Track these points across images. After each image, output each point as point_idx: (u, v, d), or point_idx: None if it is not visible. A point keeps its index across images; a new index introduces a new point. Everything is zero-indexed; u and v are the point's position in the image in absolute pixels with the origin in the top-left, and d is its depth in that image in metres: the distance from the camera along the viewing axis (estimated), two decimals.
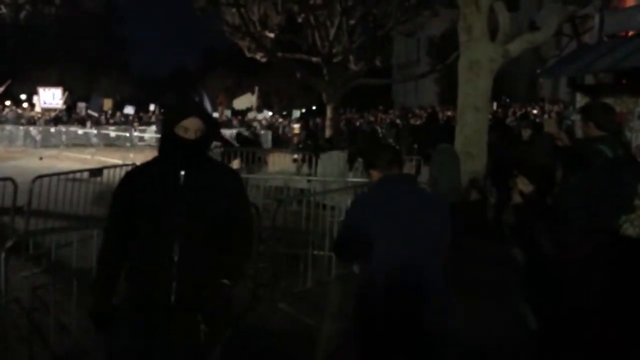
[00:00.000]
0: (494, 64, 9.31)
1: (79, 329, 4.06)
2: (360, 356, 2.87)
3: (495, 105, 25.19)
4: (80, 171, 8.21)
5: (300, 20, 17.75)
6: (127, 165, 8.97)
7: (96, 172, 8.13)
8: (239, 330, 4.47)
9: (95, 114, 31.08)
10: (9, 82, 32.59)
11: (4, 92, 34.99)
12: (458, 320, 3.03)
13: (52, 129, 24.07)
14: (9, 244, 3.36)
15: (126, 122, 29.89)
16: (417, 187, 3.01)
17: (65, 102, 32.80)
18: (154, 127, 25.25)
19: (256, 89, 33.59)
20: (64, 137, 23.18)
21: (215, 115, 35.78)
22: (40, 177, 7.18)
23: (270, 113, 42.59)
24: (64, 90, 32.61)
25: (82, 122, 28.10)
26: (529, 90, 34.62)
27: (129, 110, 33.31)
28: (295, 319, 4.92)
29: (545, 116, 18.25)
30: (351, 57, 17.90)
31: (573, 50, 13.83)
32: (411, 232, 2.70)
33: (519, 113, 20.04)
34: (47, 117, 28.91)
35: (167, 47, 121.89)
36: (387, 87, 45.40)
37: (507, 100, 29.74)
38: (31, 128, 24.20)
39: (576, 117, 9.81)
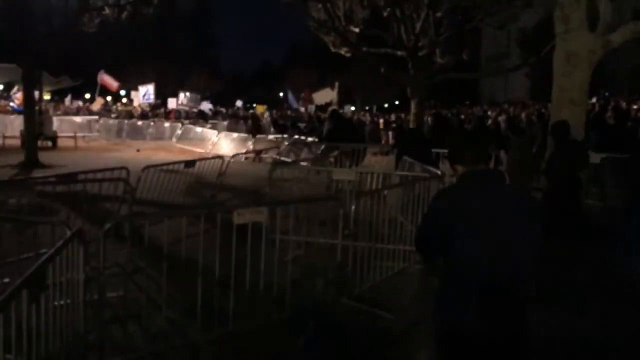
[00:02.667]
0: (593, 55, 8.76)
1: (169, 307, 4.30)
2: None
3: (595, 99, 23.69)
4: (177, 162, 8.78)
5: (385, 14, 17.55)
6: (217, 157, 9.55)
7: (189, 163, 8.67)
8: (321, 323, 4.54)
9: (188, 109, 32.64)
10: (99, 85, 34.99)
11: (105, 88, 37.58)
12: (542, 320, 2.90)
13: (140, 123, 25.54)
14: (107, 226, 3.60)
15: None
16: (504, 182, 2.86)
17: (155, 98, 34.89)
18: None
19: (336, 84, 33.48)
20: (150, 130, 24.52)
21: (302, 110, 36.45)
22: (148, 166, 7.80)
23: (353, 108, 42.67)
24: (156, 87, 34.54)
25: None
26: (631, 83, 32.23)
27: (206, 105, 34.55)
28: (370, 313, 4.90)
29: None
30: (437, 51, 17.49)
31: None
32: (497, 229, 2.59)
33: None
34: (140, 112, 30.82)
35: (255, 43, 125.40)
36: (474, 81, 43.93)
37: (607, 94, 27.88)
38: (126, 122, 25.81)
39: None
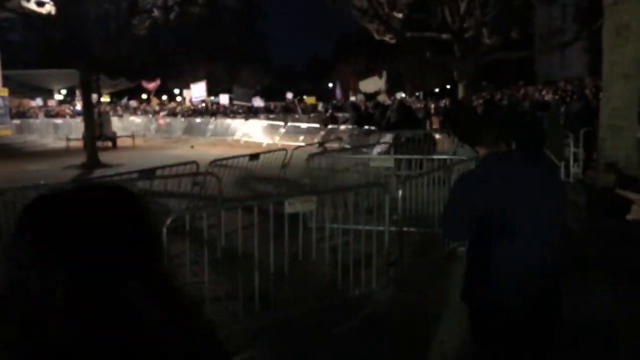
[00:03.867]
0: None
1: (229, 299, 4.49)
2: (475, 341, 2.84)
3: None
4: (243, 156, 9.03)
5: None
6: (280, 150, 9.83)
7: (254, 156, 8.94)
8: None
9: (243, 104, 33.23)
10: (158, 81, 36.18)
11: (161, 88, 38.84)
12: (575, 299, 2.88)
13: (198, 120, 26.12)
14: (169, 221, 3.79)
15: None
16: (528, 163, 2.82)
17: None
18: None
19: (384, 72, 32.98)
20: (210, 127, 24.94)
21: (353, 99, 36.40)
22: (216, 160, 8.20)
23: (403, 94, 42.18)
24: (207, 84, 35.36)
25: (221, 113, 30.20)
26: None
27: (258, 101, 34.98)
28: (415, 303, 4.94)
29: None
30: (484, 31, 17.07)
31: None
32: (528, 209, 2.60)
33: None
34: (193, 109, 31.70)
35: (303, 37, 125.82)
36: (529, 60, 42.41)
37: None
38: (182, 119, 26.53)
39: None
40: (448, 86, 50.01)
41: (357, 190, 5.15)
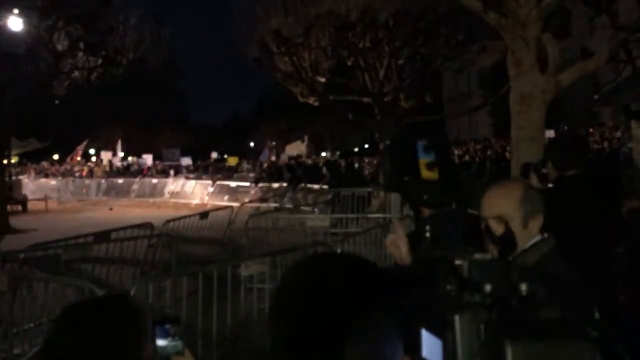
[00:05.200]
0: (546, 95, 9.33)
1: None
2: None
3: (553, 132, 24.72)
4: (193, 215, 8.99)
5: (350, 63, 18.30)
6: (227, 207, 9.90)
7: (204, 215, 8.96)
8: None
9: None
10: (86, 141, 35.04)
11: (72, 148, 37.46)
12: None
13: (120, 181, 25.34)
14: (133, 291, 3.71)
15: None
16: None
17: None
18: None
19: (305, 137, 35.83)
20: (134, 187, 24.24)
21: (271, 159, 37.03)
22: (169, 220, 8.04)
23: (324, 154, 43.35)
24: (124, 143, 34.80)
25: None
26: (588, 116, 33.76)
27: (187, 161, 34.71)
28: None
29: (606, 143, 17.79)
30: (401, 95, 18.21)
31: (627, 77, 13.60)
32: None
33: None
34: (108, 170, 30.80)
35: (223, 97, 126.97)
36: (439, 122, 45.35)
37: (566, 127, 29.06)
38: (103, 181, 25.59)
39: (633, 145, 9.66)
40: (366, 146, 52.04)
41: (304, 250, 5.29)
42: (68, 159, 35.17)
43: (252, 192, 19.00)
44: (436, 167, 1.91)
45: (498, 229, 2.00)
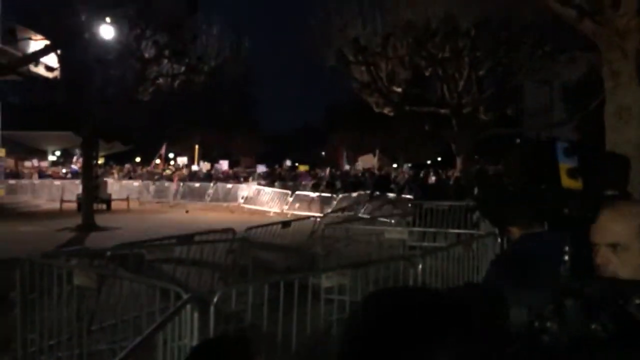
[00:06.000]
0: None
1: None
2: None
3: None
4: (275, 224, 9.10)
5: (427, 73, 17.96)
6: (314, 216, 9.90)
7: (286, 224, 9.03)
8: None
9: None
10: (165, 145, 36.60)
11: (154, 152, 39.13)
12: None
13: (197, 185, 26.13)
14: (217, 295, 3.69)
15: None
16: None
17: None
18: None
19: (377, 151, 36.29)
20: (209, 192, 24.87)
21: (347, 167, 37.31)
22: (250, 228, 8.33)
23: (395, 165, 42.90)
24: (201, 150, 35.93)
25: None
26: None
27: (262, 168, 35.31)
28: None
29: None
30: (481, 108, 17.66)
31: None
32: None
33: None
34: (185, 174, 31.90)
35: (294, 106, 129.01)
36: (519, 135, 43.72)
37: None
38: (181, 184, 26.50)
39: None
40: (439, 159, 50.97)
41: (386, 264, 5.13)
42: (152, 164, 36.77)
43: (335, 202, 18.84)
44: (580, 175, 1.65)
45: (611, 258, 1.72)
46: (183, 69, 17.89)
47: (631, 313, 0.78)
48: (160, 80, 18.14)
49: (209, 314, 3.59)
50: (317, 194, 21.15)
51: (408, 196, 14.92)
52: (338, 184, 23.08)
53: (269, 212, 20.52)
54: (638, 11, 8.66)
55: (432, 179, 18.58)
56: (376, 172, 32.03)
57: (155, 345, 2.81)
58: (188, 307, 3.23)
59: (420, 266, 5.12)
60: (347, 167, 37.90)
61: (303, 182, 27.47)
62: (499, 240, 6.46)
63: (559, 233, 2.88)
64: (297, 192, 21.76)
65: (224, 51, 18.86)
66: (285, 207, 20.47)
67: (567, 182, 1.61)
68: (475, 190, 10.42)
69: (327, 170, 31.33)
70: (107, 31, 16.69)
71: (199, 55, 17.65)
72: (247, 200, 22.77)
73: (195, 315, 3.30)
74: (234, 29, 20.68)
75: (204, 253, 7.03)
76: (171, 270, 6.85)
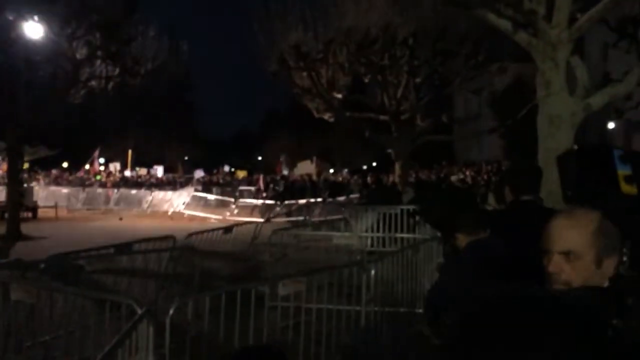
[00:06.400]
0: (575, 117, 9.21)
1: None
2: None
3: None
4: (217, 229, 8.85)
5: (366, 80, 18.25)
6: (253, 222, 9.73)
7: (228, 229, 8.79)
8: None
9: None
10: (98, 150, 35.10)
11: (84, 157, 37.49)
12: None
13: (134, 191, 25.23)
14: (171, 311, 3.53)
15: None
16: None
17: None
18: None
19: (314, 158, 37.07)
20: (148, 199, 24.12)
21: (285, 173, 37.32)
22: (191, 234, 7.98)
23: (332, 170, 43.28)
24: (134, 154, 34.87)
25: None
26: (600, 141, 33.56)
27: (200, 173, 34.65)
28: None
29: None
30: (418, 115, 18.13)
31: None
32: None
33: None
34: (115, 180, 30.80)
35: (230, 111, 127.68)
36: (448, 142, 45.33)
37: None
38: (115, 191, 25.49)
39: None
40: (374, 164, 51.89)
41: (340, 270, 5.11)
42: (82, 169, 35.19)
43: (278, 209, 18.74)
44: (635, 182, 1.69)
45: (564, 267, 1.68)
46: (117, 71, 17.21)
47: None
48: (93, 83, 17.38)
49: (165, 327, 3.43)
50: (260, 201, 21.01)
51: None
52: (279, 188, 22.93)
53: (210, 218, 20.11)
54: (569, 24, 9.20)
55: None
56: (314, 177, 32.25)
57: None
58: (144, 321, 3.07)
59: (372, 272, 5.14)
60: (285, 172, 37.89)
61: (240, 188, 27.17)
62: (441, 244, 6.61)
63: (500, 239, 3.04)
64: (241, 200, 21.57)
65: (162, 54, 18.31)
66: (227, 214, 20.15)
67: (625, 188, 1.65)
68: (410, 196, 10.68)
69: (261, 177, 30.77)
70: (35, 30, 15.80)
71: (134, 57, 17.04)
72: (187, 206, 22.24)
73: (151, 329, 3.14)
74: (171, 31, 20.16)
75: (145, 262, 6.76)
76: (111, 281, 6.53)
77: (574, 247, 1.66)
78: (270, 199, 21.05)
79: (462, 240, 2.94)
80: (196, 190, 24.84)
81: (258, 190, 25.49)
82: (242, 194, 24.97)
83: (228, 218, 19.27)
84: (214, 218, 19.81)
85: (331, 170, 43.37)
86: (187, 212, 21.46)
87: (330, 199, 16.03)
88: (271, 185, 26.35)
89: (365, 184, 18.17)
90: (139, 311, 3.22)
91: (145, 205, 23.29)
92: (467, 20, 13.77)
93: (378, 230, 8.47)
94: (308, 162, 37.08)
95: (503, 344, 0.95)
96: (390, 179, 19.80)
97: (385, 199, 10.42)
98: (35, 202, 21.53)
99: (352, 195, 18.57)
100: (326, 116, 18.65)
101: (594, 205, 1.65)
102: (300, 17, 16.59)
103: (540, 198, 3.72)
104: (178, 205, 22.44)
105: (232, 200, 21.58)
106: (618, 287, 1.23)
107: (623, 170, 1.56)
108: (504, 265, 2.74)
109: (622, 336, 1.01)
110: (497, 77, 19.29)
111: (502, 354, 0.95)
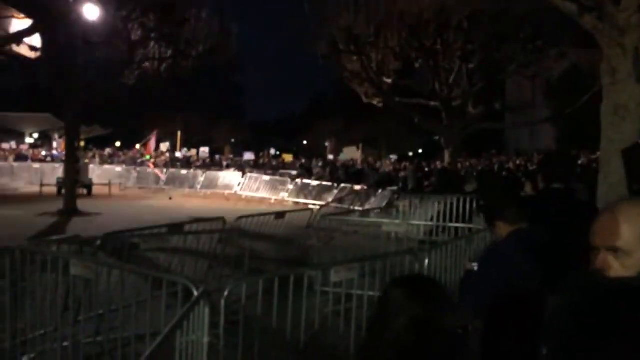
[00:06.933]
0: None
1: None
2: None
3: None
4: (268, 214, 8.89)
5: (417, 65, 17.87)
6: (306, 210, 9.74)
7: (280, 214, 8.79)
8: None
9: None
10: (156, 132, 35.99)
11: (135, 137, 38.48)
12: None
13: (184, 171, 25.71)
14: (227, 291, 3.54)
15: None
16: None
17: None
18: None
19: (360, 145, 37.29)
20: (200, 179, 24.43)
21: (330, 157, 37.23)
22: (241, 217, 8.10)
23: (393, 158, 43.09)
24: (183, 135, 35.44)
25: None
26: None
27: (249, 155, 34.97)
28: None
29: None
30: (470, 102, 17.66)
31: None
32: None
33: None
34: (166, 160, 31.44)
35: (277, 94, 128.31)
36: (498, 130, 44.12)
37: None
38: (164, 170, 26.06)
39: None
40: (420, 150, 51.13)
41: (393, 257, 5.02)
42: (135, 148, 36.14)
43: (336, 191, 18.55)
44: None
45: (612, 263, 1.59)
46: (170, 52, 17.48)
47: None
48: (147, 64, 17.71)
49: (220, 308, 3.45)
50: (316, 182, 20.89)
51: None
52: (341, 175, 22.64)
53: (268, 199, 20.24)
54: (639, 7, 8.66)
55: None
56: (359, 164, 31.91)
57: (173, 343, 2.66)
58: (201, 302, 3.09)
59: (426, 261, 5.04)
60: (330, 157, 37.83)
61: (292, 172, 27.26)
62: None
63: (542, 228, 2.98)
64: (297, 180, 21.49)
65: (213, 36, 18.46)
66: (285, 195, 20.23)
67: None
68: (473, 186, 10.39)
69: (316, 161, 30.54)
70: (92, 12, 16.18)
71: (187, 39, 17.24)
72: (243, 187, 22.47)
73: (207, 310, 3.15)
74: (222, 14, 20.25)
75: (196, 242, 6.84)
76: (162, 259, 6.65)
77: (622, 244, 1.58)
78: (328, 181, 20.81)
79: (503, 229, 2.87)
80: (245, 173, 25.04)
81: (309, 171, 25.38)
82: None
83: (286, 199, 19.30)
84: (273, 199, 19.88)
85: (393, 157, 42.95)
86: (244, 193, 21.68)
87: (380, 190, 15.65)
88: (326, 168, 26.04)
89: (422, 170, 17.62)
90: (195, 292, 3.23)
91: (198, 186, 23.69)
92: (525, 2, 13.21)
93: (432, 220, 8.28)
94: (354, 148, 36.86)
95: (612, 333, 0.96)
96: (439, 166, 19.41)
97: (449, 187, 10.13)
98: (91, 179, 22.24)
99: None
100: (375, 101, 18.41)
101: None
102: (352, 0, 16.36)
103: (572, 187, 3.80)
104: (234, 186, 22.66)
105: (288, 180, 21.54)
106: None
107: None
108: (549, 255, 2.72)
109: None
110: (555, 64, 18.43)
111: (610, 342, 0.94)
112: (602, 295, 1.55)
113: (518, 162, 26.38)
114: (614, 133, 8.83)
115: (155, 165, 28.58)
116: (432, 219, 8.32)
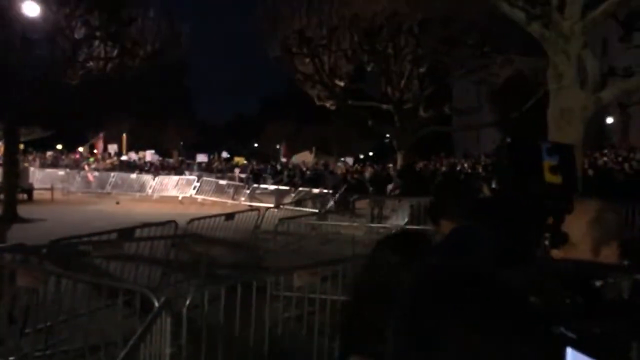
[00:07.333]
0: (586, 111, 9.09)
1: None
2: None
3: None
4: (218, 215, 8.69)
5: (369, 68, 18.04)
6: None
7: (230, 215, 8.64)
8: None
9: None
10: (101, 134, 34.71)
11: (77, 139, 37.11)
12: None
13: (133, 175, 24.90)
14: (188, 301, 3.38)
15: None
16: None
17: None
18: None
19: (313, 149, 37.74)
20: (152, 184, 23.82)
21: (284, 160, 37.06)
22: (193, 220, 7.82)
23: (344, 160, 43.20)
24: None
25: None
26: (596, 136, 33.53)
27: (202, 158, 34.24)
28: None
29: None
30: (421, 105, 17.97)
31: None
32: None
33: None
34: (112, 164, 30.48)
35: (228, 95, 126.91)
36: (447, 133, 45.24)
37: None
38: (112, 174, 25.17)
39: None
40: (370, 153, 51.70)
41: (355, 261, 4.98)
42: (78, 151, 34.80)
43: (293, 195, 18.37)
44: (559, 172, 1.67)
45: (557, 255, 1.69)
46: (116, 52, 16.91)
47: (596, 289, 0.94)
48: (91, 64, 17.06)
49: (182, 317, 3.30)
50: (274, 186, 20.68)
51: None
52: (297, 180, 22.48)
53: (225, 203, 19.88)
54: (582, 15, 9.04)
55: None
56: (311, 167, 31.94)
57: (137, 356, 2.51)
58: (162, 312, 2.93)
59: None
60: (283, 160, 37.66)
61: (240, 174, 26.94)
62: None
63: (485, 226, 2.92)
64: (254, 185, 21.21)
65: (161, 36, 17.98)
66: (242, 199, 19.91)
67: (549, 177, 1.63)
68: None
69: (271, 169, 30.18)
70: (32, 8, 15.45)
71: (134, 39, 16.72)
72: (198, 191, 21.96)
73: (168, 320, 3.01)
74: (171, 13, 19.78)
75: (148, 248, 6.59)
76: (113, 267, 6.36)
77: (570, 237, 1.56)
78: (285, 185, 20.67)
79: (446, 227, 2.78)
80: (198, 176, 24.50)
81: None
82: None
83: (243, 203, 19.00)
84: (229, 202, 19.53)
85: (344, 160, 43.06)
86: (200, 196, 21.20)
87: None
88: (285, 172, 25.87)
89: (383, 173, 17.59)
90: (156, 302, 3.08)
91: (149, 190, 22.98)
92: (475, 9, 13.53)
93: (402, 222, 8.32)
94: (307, 152, 36.81)
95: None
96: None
97: (418, 189, 10.10)
98: (31, 184, 21.25)
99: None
100: (327, 104, 18.45)
101: (515, 192, 1.66)
102: (305, 3, 16.32)
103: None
104: (189, 189, 22.13)
105: (245, 185, 21.21)
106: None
107: (548, 161, 1.54)
108: (489, 253, 2.64)
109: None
110: (500, 70, 19.03)
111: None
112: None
113: (466, 164, 27.12)
114: (560, 137, 9.20)
115: (90, 167, 27.67)
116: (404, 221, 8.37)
